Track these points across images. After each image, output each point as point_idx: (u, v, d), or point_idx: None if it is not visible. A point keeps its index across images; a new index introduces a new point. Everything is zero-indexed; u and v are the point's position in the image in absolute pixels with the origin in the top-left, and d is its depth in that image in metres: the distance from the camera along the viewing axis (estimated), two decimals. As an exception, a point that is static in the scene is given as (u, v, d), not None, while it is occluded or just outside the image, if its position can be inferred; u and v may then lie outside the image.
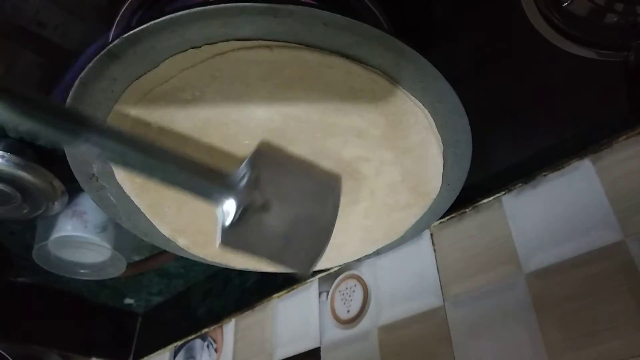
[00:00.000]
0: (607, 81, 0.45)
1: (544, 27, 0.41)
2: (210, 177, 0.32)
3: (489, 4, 0.45)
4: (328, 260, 0.54)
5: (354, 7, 0.42)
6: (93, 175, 0.44)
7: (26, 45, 0.55)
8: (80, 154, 0.40)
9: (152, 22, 0.32)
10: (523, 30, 0.42)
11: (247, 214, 0.32)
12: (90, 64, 0.33)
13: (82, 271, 0.76)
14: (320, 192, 0.36)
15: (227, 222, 0.32)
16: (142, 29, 0.31)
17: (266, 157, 0.35)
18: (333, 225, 0.35)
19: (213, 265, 0.79)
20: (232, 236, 0.32)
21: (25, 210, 0.67)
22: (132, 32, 0.32)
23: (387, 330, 0.57)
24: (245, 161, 0.34)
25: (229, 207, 0.32)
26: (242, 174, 0.33)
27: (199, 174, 0.32)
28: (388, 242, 0.50)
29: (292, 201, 0.35)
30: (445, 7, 0.47)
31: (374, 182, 0.44)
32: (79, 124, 0.28)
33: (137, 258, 0.82)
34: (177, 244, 0.50)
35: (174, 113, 0.38)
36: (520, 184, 0.52)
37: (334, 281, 0.66)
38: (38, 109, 0.26)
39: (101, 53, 0.33)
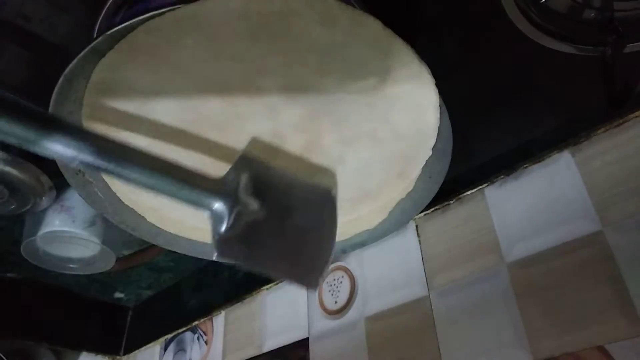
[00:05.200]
0: (586, 75, 0.46)
1: (523, 23, 0.42)
2: (196, 181, 0.30)
3: (468, 1, 0.46)
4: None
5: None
6: (79, 170, 0.44)
7: (11, 39, 0.55)
8: (52, 156, 0.38)
9: (136, 20, 0.32)
10: (503, 26, 0.42)
11: (241, 220, 0.30)
12: (75, 61, 0.34)
13: (71, 266, 0.76)
14: (315, 201, 0.34)
15: (222, 229, 0.29)
16: (126, 26, 0.32)
17: (254, 163, 0.33)
18: (334, 234, 0.34)
19: (203, 259, 0.80)
20: (229, 245, 0.30)
21: (13, 206, 0.67)
22: (115, 29, 0.32)
23: (374, 320, 0.58)
24: (232, 165, 0.32)
25: (221, 212, 0.30)
26: (231, 177, 0.31)
27: (184, 178, 0.29)
28: (371, 227, 0.51)
29: (287, 210, 0.32)
30: (426, 5, 0.48)
31: (353, 165, 0.44)
32: (48, 123, 0.27)
33: (126, 252, 0.83)
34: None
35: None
36: (502, 176, 0.53)
37: (321, 273, 0.67)
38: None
39: (85, 50, 0.33)
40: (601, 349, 0.41)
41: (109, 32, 0.32)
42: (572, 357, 0.43)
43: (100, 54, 0.34)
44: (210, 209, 0.30)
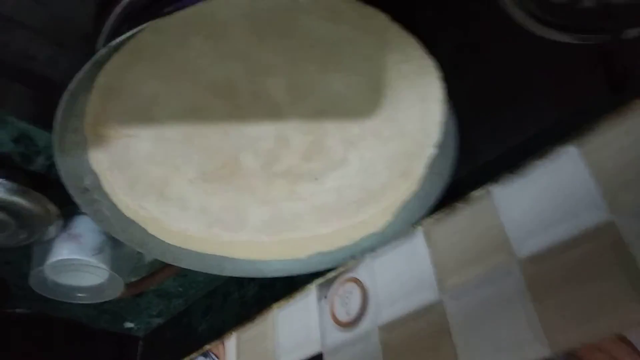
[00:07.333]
0: (585, 66, 0.46)
1: (520, 15, 0.42)
2: None
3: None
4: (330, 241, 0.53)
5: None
6: (86, 189, 0.44)
7: (17, 79, 0.56)
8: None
9: (134, 30, 0.32)
10: (500, 21, 0.43)
11: None
12: (79, 75, 0.34)
13: (80, 295, 0.76)
14: None
15: None
16: (128, 36, 0.32)
17: None
18: None
19: (212, 282, 0.79)
20: None
21: (21, 237, 0.67)
22: (116, 40, 0.33)
23: (388, 328, 0.57)
24: None
25: None
26: None
27: None
28: (377, 229, 0.50)
29: None
30: (422, 6, 0.49)
31: (356, 165, 0.44)
32: None
33: (134, 280, 0.82)
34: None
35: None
36: (507, 174, 0.53)
37: (331, 286, 0.67)
38: None
39: (87, 63, 0.34)
40: (622, 338, 0.41)
41: (110, 44, 0.33)
42: (592, 348, 0.42)
43: (102, 66, 0.35)
44: None
